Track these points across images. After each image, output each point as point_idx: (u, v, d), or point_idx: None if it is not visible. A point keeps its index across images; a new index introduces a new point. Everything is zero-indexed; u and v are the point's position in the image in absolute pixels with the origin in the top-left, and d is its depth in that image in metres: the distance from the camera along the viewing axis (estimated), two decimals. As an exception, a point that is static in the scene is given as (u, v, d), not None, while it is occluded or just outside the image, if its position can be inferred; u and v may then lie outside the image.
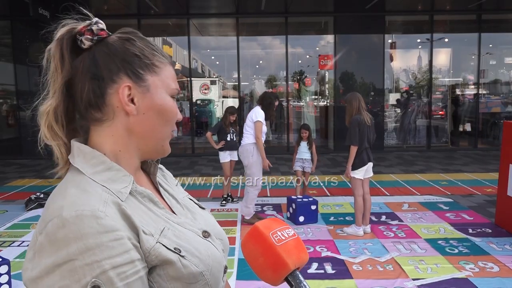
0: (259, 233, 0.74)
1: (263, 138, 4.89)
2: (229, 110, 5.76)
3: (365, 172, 4.47)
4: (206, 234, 0.83)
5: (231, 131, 5.69)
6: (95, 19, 0.79)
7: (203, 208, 0.95)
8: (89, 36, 0.77)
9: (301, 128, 5.63)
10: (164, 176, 0.96)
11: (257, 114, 4.85)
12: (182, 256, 0.72)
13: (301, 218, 4.80)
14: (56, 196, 0.70)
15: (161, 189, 0.88)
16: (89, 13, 0.80)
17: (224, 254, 0.86)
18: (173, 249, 0.72)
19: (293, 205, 4.86)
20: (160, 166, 0.98)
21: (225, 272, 0.84)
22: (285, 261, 0.71)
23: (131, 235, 0.67)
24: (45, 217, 0.66)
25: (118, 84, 0.76)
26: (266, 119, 4.94)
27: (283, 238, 0.74)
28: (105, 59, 0.76)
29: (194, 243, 0.77)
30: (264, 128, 4.91)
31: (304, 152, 5.49)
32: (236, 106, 8.44)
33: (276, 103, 5.19)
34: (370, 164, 4.49)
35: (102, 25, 0.79)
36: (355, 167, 4.42)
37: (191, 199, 0.95)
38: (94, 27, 0.77)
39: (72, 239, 0.62)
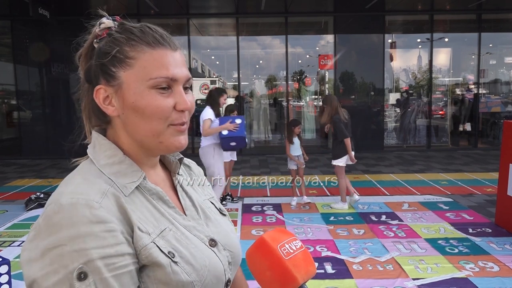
0: (267, 246, 0.72)
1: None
2: (229, 108, 5.74)
3: (347, 160, 5.14)
4: (212, 243, 0.79)
5: None
6: (99, 21, 0.77)
7: (224, 215, 0.92)
8: (96, 40, 0.76)
9: (292, 124, 5.48)
10: (191, 174, 0.94)
11: (205, 113, 4.95)
12: (175, 262, 0.70)
13: (232, 143, 4.97)
14: (63, 182, 0.73)
15: (179, 189, 0.86)
16: (103, 12, 0.79)
17: (231, 267, 0.82)
18: (166, 253, 0.70)
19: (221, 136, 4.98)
20: (189, 163, 0.97)
21: (227, 286, 0.80)
22: (294, 275, 0.69)
23: (124, 230, 0.67)
24: (48, 201, 0.68)
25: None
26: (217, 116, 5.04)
27: (291, 251, 0.71)
28: (94, 65, 0.76)
29: (193, 249, 0.74)
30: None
31: (298, 148, 5.41)
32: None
33: (223, 97, 5.14)
34: (352, 153, 5.14)
35: (104, 24, 0.76)
36: (338, 156, 5.02)
37: (213, 203, 0.92)
38: (97, 30, 0.76)
39: (64, 225, 0.63)
